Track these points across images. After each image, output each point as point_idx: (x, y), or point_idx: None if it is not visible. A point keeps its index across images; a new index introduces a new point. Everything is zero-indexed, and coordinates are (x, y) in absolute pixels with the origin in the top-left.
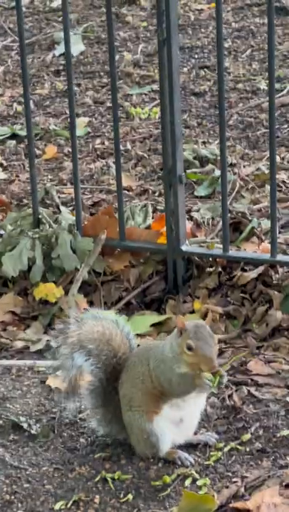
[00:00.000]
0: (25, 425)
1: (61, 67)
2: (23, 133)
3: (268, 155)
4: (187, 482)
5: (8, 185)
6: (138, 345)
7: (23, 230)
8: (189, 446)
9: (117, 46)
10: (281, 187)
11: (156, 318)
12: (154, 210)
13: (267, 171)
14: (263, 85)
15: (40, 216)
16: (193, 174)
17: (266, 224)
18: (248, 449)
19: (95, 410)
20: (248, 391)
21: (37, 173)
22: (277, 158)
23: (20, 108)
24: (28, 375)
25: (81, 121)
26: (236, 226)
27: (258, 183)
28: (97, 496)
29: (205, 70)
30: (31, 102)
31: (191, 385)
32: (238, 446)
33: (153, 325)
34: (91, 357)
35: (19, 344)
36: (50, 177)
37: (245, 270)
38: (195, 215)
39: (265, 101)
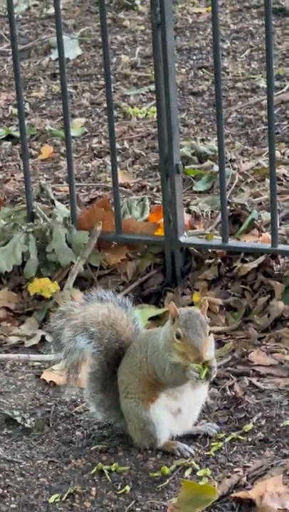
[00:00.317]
0: (19, 419)
1: (57, 71)
2: (19, 134)
3: (268, 151)
4: (187, 473)
5: (2, 184)
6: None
7: (17, 224)
8: (189, 438)
9: (115, 49)
10: (282, 180)
11: (154, 311)
12: (152, 204)
13: (267, 166)
14: (263, 83)
15: (34, 210)
16: (191, 170)
17: (266, 216)
18: (249, 439)
19: (94, 395)
20: (250, 382)
21: (33, 172)
22: (278, 154)
23: (15, 110)
24: (22, 370)
25: (78, 122)
26: (236, 218)
27: (258, 178)
28: (94, 488)
29: (203, 70)
30: (27, 104)
31: (183, 376)
32: (240, 437)
33: (151, 318)
34: (93, 340)
35: (14, 340)
36: (46, 176)
37: (246, 261)
38: (193, 208)
39: (265, 98)
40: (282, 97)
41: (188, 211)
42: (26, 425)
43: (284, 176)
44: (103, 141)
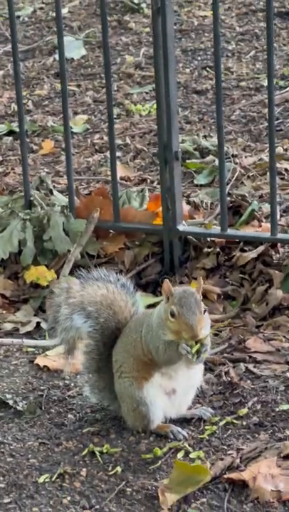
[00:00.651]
0: (11, 402)
1: None
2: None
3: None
4: (179, 455)
5: (2, 177)
6: None
7: (14, 211)
8: (183, 421)
9: (120, 50)
10: (284, 174)
11: (152, 299)
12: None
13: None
14: (267, 82)
15: (32, 199)
16: (193, 164)
17: (267, 208)
18: (244, 423)
19: (88, 376)
20: (246, 367)
21: (33, 166)
22: (281, 150)
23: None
24: (16, 355)
25: (80, 119)
26: (236, 210)
27: (260, 172)
28: (84, 469)
29: (207, 69)
30: (30, 102)
31: (176, 355)
32: (235, 421)
33: (149, 307)
34: (90, 319)
35: (8, 326)
36: (46, 170)
37: (245, 251)
38: (194, 199)
39: None
40: (287, 96)
41: (188, 202)
42: (18, 408)
43: (286, 170)
44: (105, 137)
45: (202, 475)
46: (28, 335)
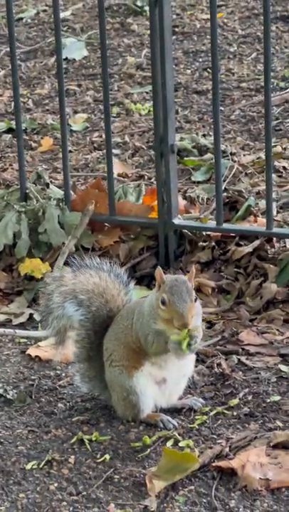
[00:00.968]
0: (1, 391)
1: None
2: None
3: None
4: (169, 444)
5: (0, 172)
6: None
7: (9, 203)
8: (173, 411)
9: (121, 51)
10: (281, 172)
11: (146, 292)
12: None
13: None
14: None
15: (27, 191)
16: (190, 161)
17: (263, 204)
18: (235, 414)
19: (79, 365)
20: (238, 359)
21: (32, 162)
22: (280, 148)
23: None
24: (8, 346)
25: (79, 117)
26: (233, 205)
27: (258, 169)
28: (72, 457)
29: (208, 70)
30: (30, 100)
31: (164, 346)
32: (225, 411)
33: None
34: (81, 307)
35: (1, 317)
36: (44, 166)
37: (240, 245)
38: (190, 194)
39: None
40: (287, 97)
41: (185, 197)
42: (8, 397)
43: (284, 168)
44: (104, 136)
45: (190, 463)
46: (21, 326)
